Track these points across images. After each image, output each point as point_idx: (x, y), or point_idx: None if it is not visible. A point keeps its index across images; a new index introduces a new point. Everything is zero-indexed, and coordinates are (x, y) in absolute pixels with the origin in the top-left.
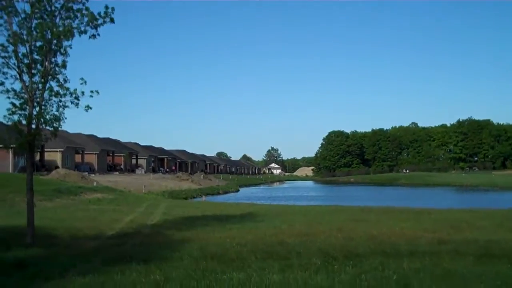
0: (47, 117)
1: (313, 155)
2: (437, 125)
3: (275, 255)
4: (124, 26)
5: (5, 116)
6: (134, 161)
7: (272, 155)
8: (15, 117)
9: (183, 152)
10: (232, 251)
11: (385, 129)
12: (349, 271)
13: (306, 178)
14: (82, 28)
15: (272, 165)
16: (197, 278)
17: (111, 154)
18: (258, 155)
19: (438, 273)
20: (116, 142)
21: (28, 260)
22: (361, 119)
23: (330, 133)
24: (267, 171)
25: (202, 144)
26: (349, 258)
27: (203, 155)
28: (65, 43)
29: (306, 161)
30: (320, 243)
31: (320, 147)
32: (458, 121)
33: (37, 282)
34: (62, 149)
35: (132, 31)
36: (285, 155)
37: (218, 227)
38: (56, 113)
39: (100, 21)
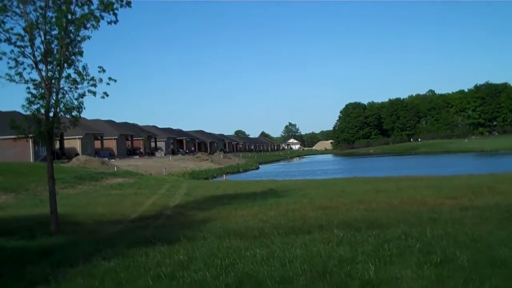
0: (66, 105)
1: (331, 128)
2: (454, 91)
3: (297, 229)
4: (141, 9)
5: (23, 105)
6: (153, 144)
7: (290, 131)
8: (34, 107)
9: (202, 132)
10: (255, 228)
11: (402, 98)
12: (372, 241)
13: (325, 151)
14: (98, 14)
15: (291, 140)
16: (221, 256)
17: (130, 139)
18: (276, 132)
19: (461, 239)
20: (134, 126)
21: (53, 248)
22: (378, 90)
23: (347, 105)
24: (286, 147)
25: (220, 123)
26: (371, 229)
27: (222, 135)
28: (83, 32)
29: (325, 135)
30: (342, 216)
31: (337, 120)
32: (476, 86)
33: (62, 269)
34: (81, 136)
35: (149, 13)
36: (303, 130)
37: (240, 205)
38: (75, 101)
39: (116, 6)
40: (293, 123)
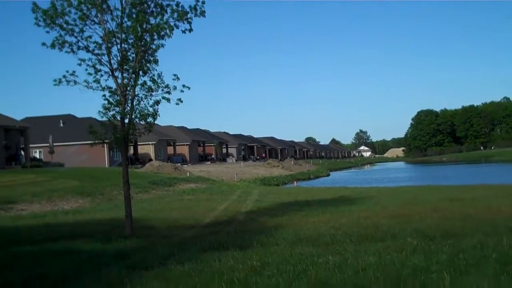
0: (141, 112)
1: (402, 135)
2: None
3: (370, 237)
4: (213, 13)
5: (100, 111)
6: (224, 150)
7: (361, 138)
8: (110, 113)
9: (272, 139)
10: (327, 234)
11: (475, 105)
12: (447, 250)
13: (396, 159)
14: (173, 23)
15: (362, 147)
16: (293, 262)
17: (201, 145)
18: (346, 139)
19: None
20: (206, 133)
21: (128, 251)
22: (450, 97)
23: (419, 113)
24: (356, 154)
25: (291, 130)
26: (446, 238)
27: (292, 141)
28: (158, 41)
29: (396, 142)
30: (415, 224)
31: (409, 127)
32: None
33: (138, 272)
34: (155, 142)
35: (221, 17)
36: (374, 137)
37: (311, 212)
38: (150, 108)
39: (190, 15)
40: (364, 130)
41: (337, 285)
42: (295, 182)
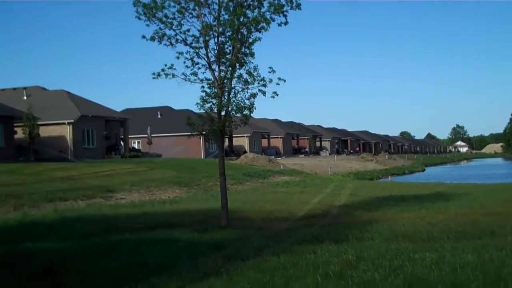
0: (237, 105)
1: (501, 131)
2: None
3: (468, 234)
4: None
5: (197, 103)
6: (318, 144)
7: (458, 133)
8: (207, 105)
9: (366, 133)
10: (423, 230)
11: None
12: None
13: (494, 155)
14: (269, 16)
15: (458, 143)
16: (389, 257)
17: (295, 138)
18: (442, 134)
19: None
20: (299, 126)
21: (224, 241)
22: None
23: None
24: (453, 150)
25: (385, 124)
26: None
27: (386, 135)
28: (255, 34)
29: (494, 138)
30: None
31: (508, 123)
32: None
33: (233, 262)
34: (249, 134)
35: (314, 13)
36: (471, 132)
37: (406, 207)
38: (246, 101)
39: (286, 8)
40: (460, 125)
41: (434, 282)
42: (389, 176)
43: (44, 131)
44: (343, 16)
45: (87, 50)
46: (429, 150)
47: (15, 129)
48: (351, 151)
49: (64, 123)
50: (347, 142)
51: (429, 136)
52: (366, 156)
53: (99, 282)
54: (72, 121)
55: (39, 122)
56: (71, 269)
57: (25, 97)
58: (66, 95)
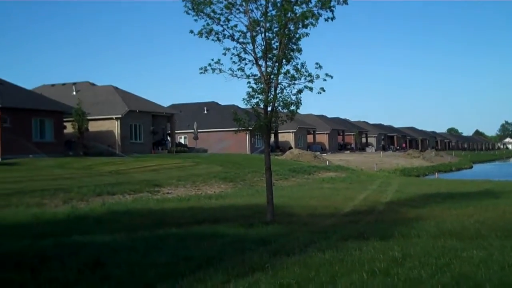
0: (284, 100)
1: None
2: None
3: None
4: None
5: (244, 99)
6: (364, 140)
7: (506, 130)
8: (254, 101)
9: (413, 129)
10: (471, 228)
11: None
12: None
13: None
14: (316, 11)
15: (507, 139)
16: (436, 255)
17: (341, 134)
18: (491, 130)
19: None
20: (345, 122)
21: (270, 237)
22: None
23: None
24: (501, 146)
25: (432, 120)
26: None
27: (433, 132)
28: (302, 29)
29: None
30: None
31: None
32: None
33: (279, 257)
34: (295, 130)
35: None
36: None
37: (453, 204)
38: (293, 96)
39: (333, 3)
40: (510, 121)
41: (482, 280)
42: (436, 173)
43: (93, 126)
44: (391, 9)
45: (135, 45)
46: (476, 147)
47: (65, 124)
48: (397, 147)
49: (112, 118)
50: (393, 139)
51: (477, 132)
52: (412, 152)
53: (147, 275)
54: (120, 116)
55: (88, 117)
56: (119, 262)
57: (74, 92)
58: (114, 90)
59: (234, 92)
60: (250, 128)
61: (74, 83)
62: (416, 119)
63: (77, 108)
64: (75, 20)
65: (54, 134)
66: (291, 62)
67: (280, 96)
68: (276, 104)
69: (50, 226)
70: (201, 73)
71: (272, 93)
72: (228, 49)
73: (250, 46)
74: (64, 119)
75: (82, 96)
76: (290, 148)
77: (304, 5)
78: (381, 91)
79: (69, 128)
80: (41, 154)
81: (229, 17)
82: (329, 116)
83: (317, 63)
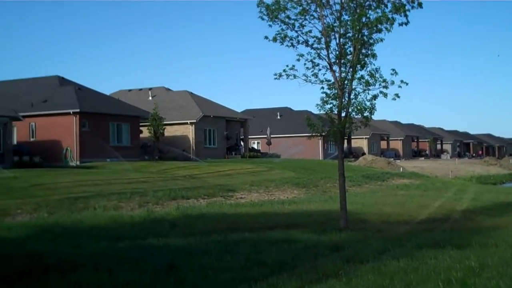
0: (358, 106)
1: None
2: None
3: None
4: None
5: (317, 105)
6: (439, 146)
7: None
8: (327, 107)
9: (490, 136)
10: None
11: None
12: None
13: None
14: (390, 16)
15: None
16: None
17: (415, 140)
18: None
19: None
20: (420, 128)
21: (343, 243)
22: None
23: None
24: None
25: (510, 127)
26: None
27: (511, 139)
28: (377, 35)
29: None
30: None
31: None
32: None
33: (352, 265)
34: (368, 136)
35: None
36: None
37: None
38: (367, 102)
39: (408, 7)
40: None
41: None
42: None
43: (168, 131)
44: (467, 14)
45: (209, 51)
46: None
47: (141, 128)
48: (473, 154)
49: (187, 123)
50: (469, 145)
51: None
52: (489, 160)
53: (220, 279)
54: (195, 121)
55: (163, 122)
56: (192, 265)
57: (150, 97)
58: (189, 95)
59: (307, 97)
60: (323, 133)
61: (150, 88)
62: (493, 125)
63: (153, 113)
64: (150, 26)
65: (131, 138)
66: (365, 68)
67: (354, 102)
68: (350, 110)
69: (127, 228)
70: (275, 79)
71: (346, 98)
72: (302, 55)
73: (324, 52)
74: (140, 124)
75: (158, 101)
76: (364, 154)
77: (378, 10)
78: (458, 97)
79: (145, 133)
80: (118, 158)
81: (303, 23)
82: (403, 122)
83: (392, 69)
